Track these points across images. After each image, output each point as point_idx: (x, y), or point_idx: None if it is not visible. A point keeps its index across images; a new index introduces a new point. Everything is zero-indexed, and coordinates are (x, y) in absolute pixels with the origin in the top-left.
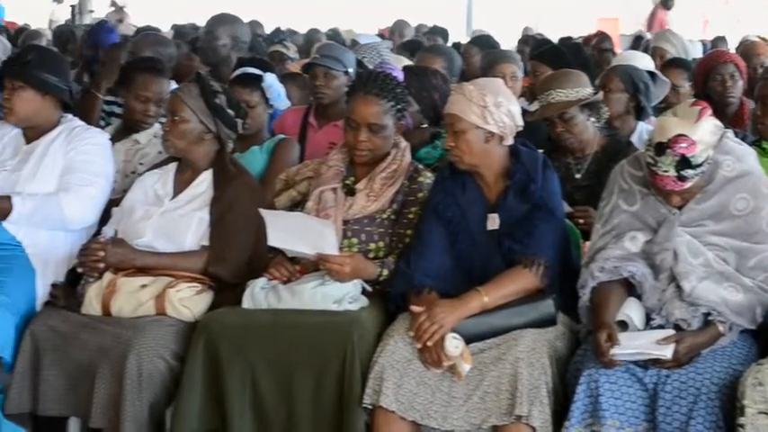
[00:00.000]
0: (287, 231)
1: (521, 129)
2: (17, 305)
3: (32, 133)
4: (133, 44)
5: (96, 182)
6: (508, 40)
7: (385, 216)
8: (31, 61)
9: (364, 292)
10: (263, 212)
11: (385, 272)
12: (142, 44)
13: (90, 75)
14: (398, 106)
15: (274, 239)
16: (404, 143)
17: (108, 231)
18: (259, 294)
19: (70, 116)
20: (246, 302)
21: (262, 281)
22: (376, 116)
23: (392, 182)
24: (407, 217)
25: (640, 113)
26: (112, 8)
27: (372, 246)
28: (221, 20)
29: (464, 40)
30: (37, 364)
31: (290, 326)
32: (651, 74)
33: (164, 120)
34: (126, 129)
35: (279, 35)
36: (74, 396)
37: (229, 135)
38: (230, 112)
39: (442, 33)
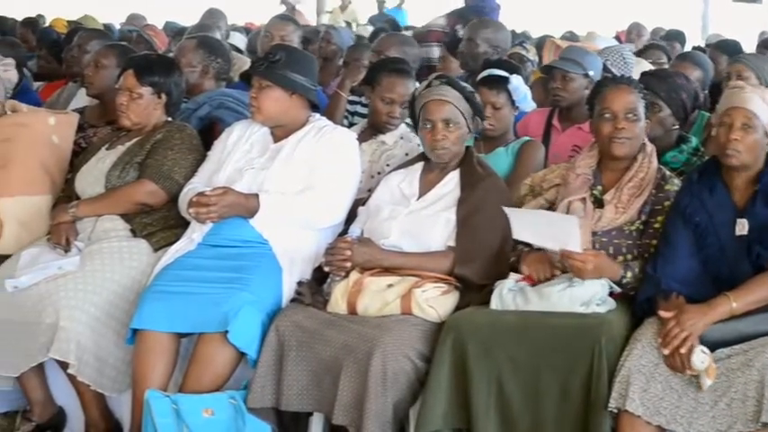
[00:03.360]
0: (531, 227)
1: None
2: (263, 303)
3: (280, 132)
4: (378, 43)
5: (344, 181)
6: (746, 45)
7: (633, 228)
8: (279, 60)
9: (611, 294)
10: (507, 210)
11: (629, 274)
12: (387, 44)
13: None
14: (644, 103)
15: (519, 234)
16: (650, 147)
17: (355, 231)
18: (507, 296)
19: (318, 115)
20: (494, 303)
21: (510, 282)
22: (632, 103)
23: (640, 192)
24: (653, 227)
25: None
26: (283, 7)
27: (620, 258)
28: (482, 27)
29: (699, 43)
30: (281, 360)
31: (537, 327)
32: None
33: (408, 120)
34: (371, 129)
35: (517, 37)
36: (317, 392)
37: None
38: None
39: (679, 37)
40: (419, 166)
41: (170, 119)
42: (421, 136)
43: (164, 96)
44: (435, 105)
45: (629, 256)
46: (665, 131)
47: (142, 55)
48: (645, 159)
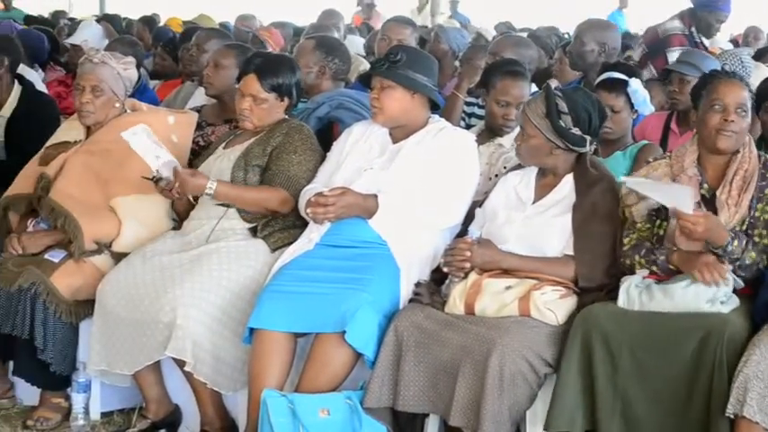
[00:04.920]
0: (647, 187)
1: None
2: (381, 303)
3: (399, 133)
4: (494, 45)
5: (463, 182)
6: None
7: (746, 226)
8: (399, 60)
9: (735, 291)
10: (625, 179)
11: (735, 243)
12: (503, 45)
13: None
14: (751, 101)
15: (635, 186)
16: (748, 136)
17: (474, 232)
18: (633, 292)
19: (437, 117)
20: (621, 300)
21: (637, 278)
22: (744, 98)
23: (746, 186)
24: (764, 218)
25: None
26: (359, 7)
27: (737, 263)
28: (589, 26)
29: None
30: (399, 360)
31: (660, 330)
32: None
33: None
34: (488, 131)
35: (626, 40)
36: (434, 393)
37: (578, 150)
38: (575, 131)
39: None
40: (535, 168)
41: (285, 116)
42: None
43: (286, 99)
44: (521, 113)
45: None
46: None
47: (263, 57)
48: (745, 150)
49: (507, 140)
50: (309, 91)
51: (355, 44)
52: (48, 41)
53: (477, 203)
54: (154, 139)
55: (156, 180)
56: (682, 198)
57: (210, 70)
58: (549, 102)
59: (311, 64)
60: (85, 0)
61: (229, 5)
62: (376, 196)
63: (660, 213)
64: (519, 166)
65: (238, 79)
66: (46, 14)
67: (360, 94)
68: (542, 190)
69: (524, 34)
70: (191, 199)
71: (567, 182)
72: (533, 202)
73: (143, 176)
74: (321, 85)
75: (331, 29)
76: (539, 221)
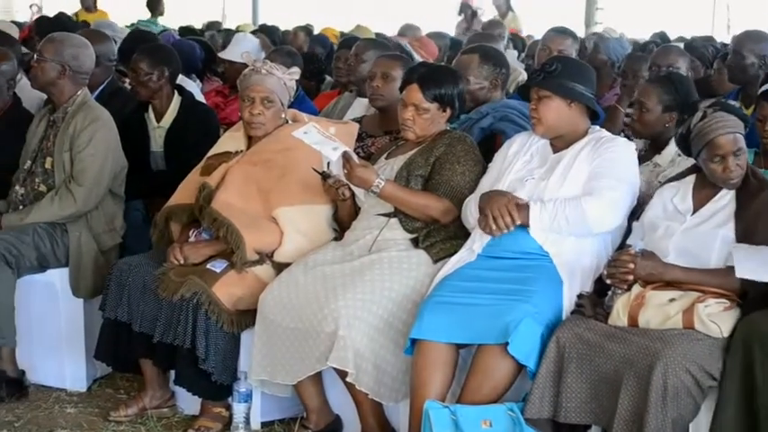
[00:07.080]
0: (758, 263)
1: None
2: (543, 315)
3: (560, 143)
4: (655, 56)
5: (620, 187)
6: None
7: None
8: (555, 70)
9: None
10: (735, 248)
11: None
12: (663, 55)
13: None
14: None
15: (743, 271)
16: None
17: (637, 244)
18: None
19: (598, 127)
20: None
21: None
22: None
23: None
24: None
25: None
26: (461, 15)
27: None
28: (747, 38)
29: None
30: (560, 371)
31: None
32: None
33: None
34: (650, 149)
35: None
36: (596, 405)
37: None
38: None
39: None
40: (691, 179)
41: (447, 126)
42: (708, 167)
43: (448, 110)
44: (725, 140)
45: None
46: None
47: (426, 67)
48: None
49: (663, 159)
50: (481, 103)
51: (510, 56)
52: (204, 52)
53: (633, 217)
54: (324, 133)
55: (325, 177)
56: None
57: (380, 82)
58: (733, 110)
59: (482, 78)
60: (239, 11)
61: (385, 16)
62: (528, 205)
63: None
64: (675, 179)
65: (401, 89)
66: (199, 26)
67: (523, 105)
68: (701, 201)
69: (680, 44)
70: (354, 194)
71: (727, 191)
72: (692, 214)
73: (313, 168)
74: (492, 97)
75: (493, 39)
76: (699, 232)
